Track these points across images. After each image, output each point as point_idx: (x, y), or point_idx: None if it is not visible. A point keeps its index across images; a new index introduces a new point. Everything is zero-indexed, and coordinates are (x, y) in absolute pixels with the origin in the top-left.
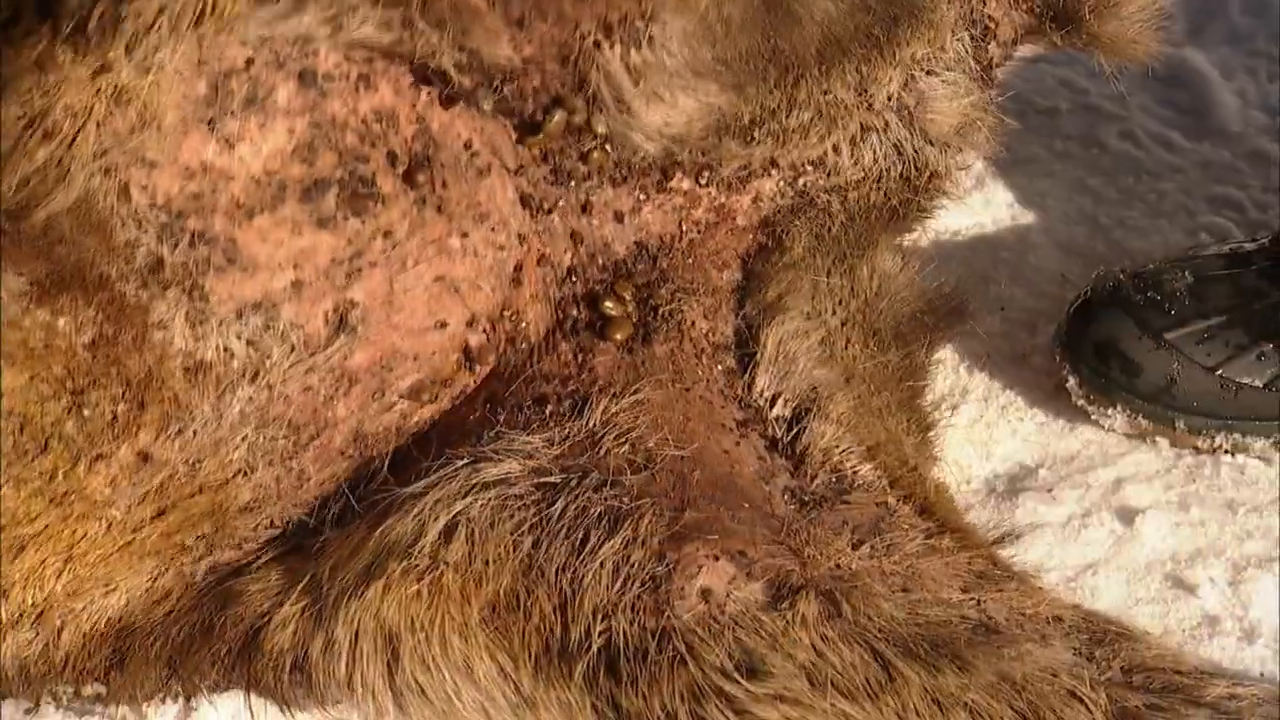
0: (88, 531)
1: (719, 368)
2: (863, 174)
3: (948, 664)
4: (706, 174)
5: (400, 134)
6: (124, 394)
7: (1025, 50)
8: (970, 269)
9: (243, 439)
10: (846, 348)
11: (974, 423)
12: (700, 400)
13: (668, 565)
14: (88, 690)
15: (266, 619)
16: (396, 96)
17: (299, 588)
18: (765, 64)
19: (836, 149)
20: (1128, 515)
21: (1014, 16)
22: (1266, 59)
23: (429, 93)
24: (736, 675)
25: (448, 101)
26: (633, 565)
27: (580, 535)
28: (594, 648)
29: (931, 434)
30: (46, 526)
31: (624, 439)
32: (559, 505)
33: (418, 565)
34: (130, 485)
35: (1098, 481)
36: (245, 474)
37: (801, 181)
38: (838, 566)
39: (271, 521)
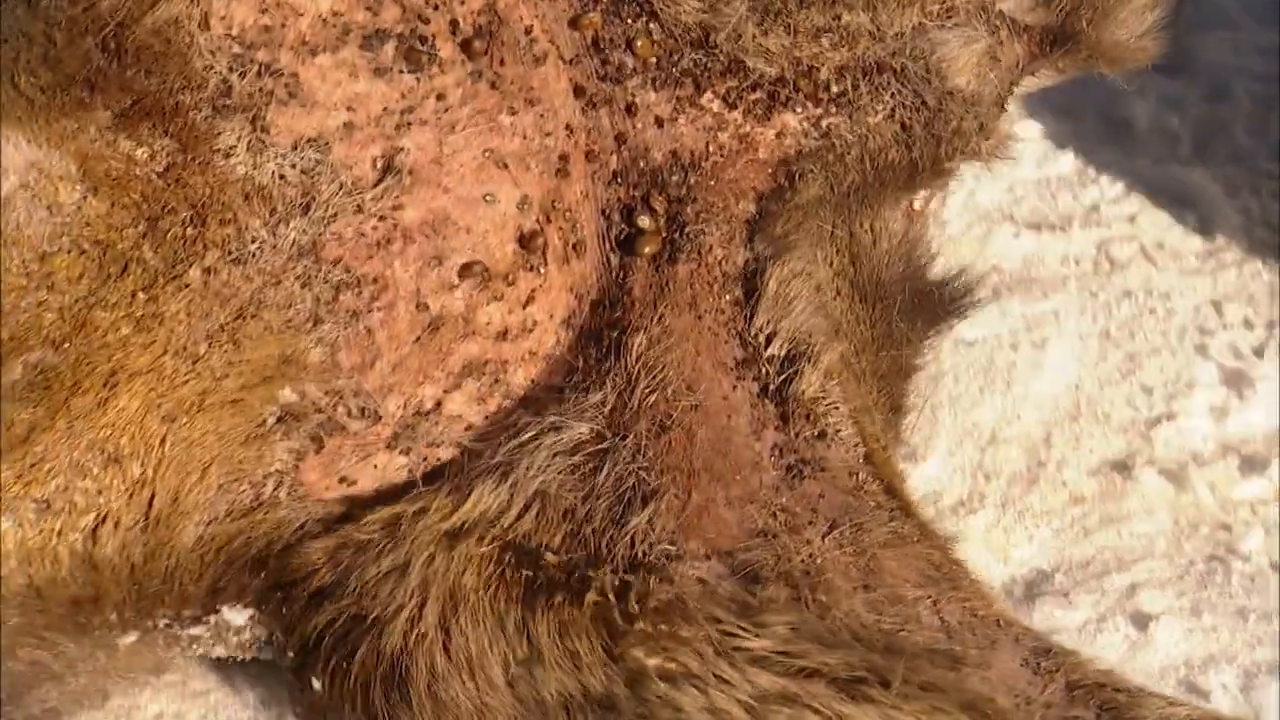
0: (174, 370)
1: (727, 297)
2: (884, 117)
3: (899, 672)
4: (733, 90)
5: (466, 4)
6: (191, 217)
7: (1033, 157)
8: (986, 378)
9: (302, 277)
10: (836, 299)
11: (991, 528)
12: (709, 332)
13: (678, 550)
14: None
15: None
16: None
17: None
18: None
19: (855, 85)
20: (1142, 620)
21: (1015, 50)
22: (1267, 176)
23: None
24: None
25: None
26: (652, 541)
27: (619, 506)
28: (611, 600)
29: (900, 417)
30: (136, 358)
31: (653, 388)
32: (604, 472)
33: (498, 535)
34: (203, 314)
35: (1112, 587)
36: (312, 323)
37: (825, 123)
38: (807, 558)
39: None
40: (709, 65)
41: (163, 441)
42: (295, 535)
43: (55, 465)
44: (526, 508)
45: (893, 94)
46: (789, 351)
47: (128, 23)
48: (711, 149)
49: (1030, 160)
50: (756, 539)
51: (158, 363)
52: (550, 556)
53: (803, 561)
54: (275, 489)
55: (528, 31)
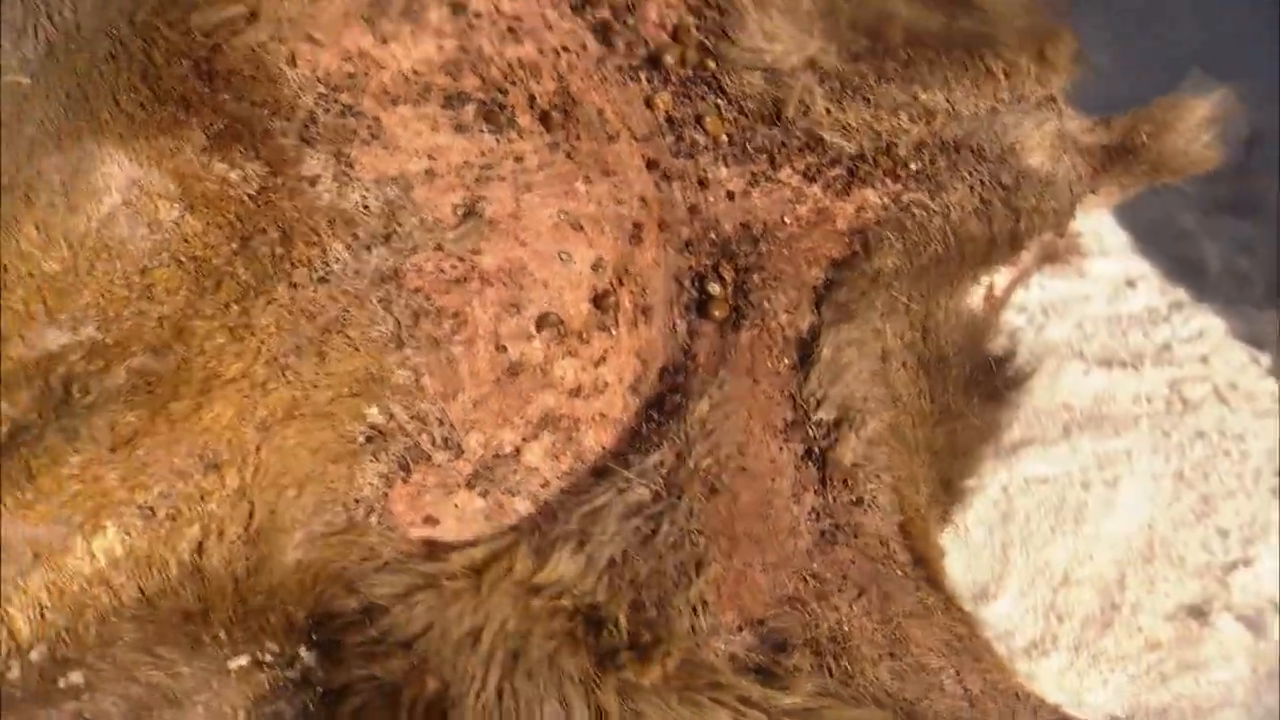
0: (266, 378)
1: (785, 361)
2: (963, 193)
3: None
4: (813, 166)
5: (541, 85)
6: (279, 238)
7: (1104, 294)
8: (1057, 517)
9: (384, 300)
10: (901, 370)
11: (1064, 671)
12: (763, 395)
13: (717, 619)
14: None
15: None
16: (540, 55)
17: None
18: (857, 28)
19: (934, 161)
20: None
21: (1079, 165)
22: None
23: (569, 58)
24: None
25: (596, 32)
26: (700, 609)
27: (676, 574)
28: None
29: (951, 494)
30: (230, 366)
31: (708, 451)
32: (662, 533)
33: (573, 599)
34: (291, 328)
35: None
36: (396, 344)
37: (905, 198)
38: (835, 624)
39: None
40: (786, 142)
41: (258, 449)
42: (381, 567)
43: (157, 470)
44: (599, 577)
45: (971, 170)
46: (836, 417)
47: (220, 46)
48: (788, 220)
49: (1101, 297)
50: (787, 606)
51: (250, 370)
52: (621, 621)
53: (830, 628)
54: (366, 515)
55: (600, 113)
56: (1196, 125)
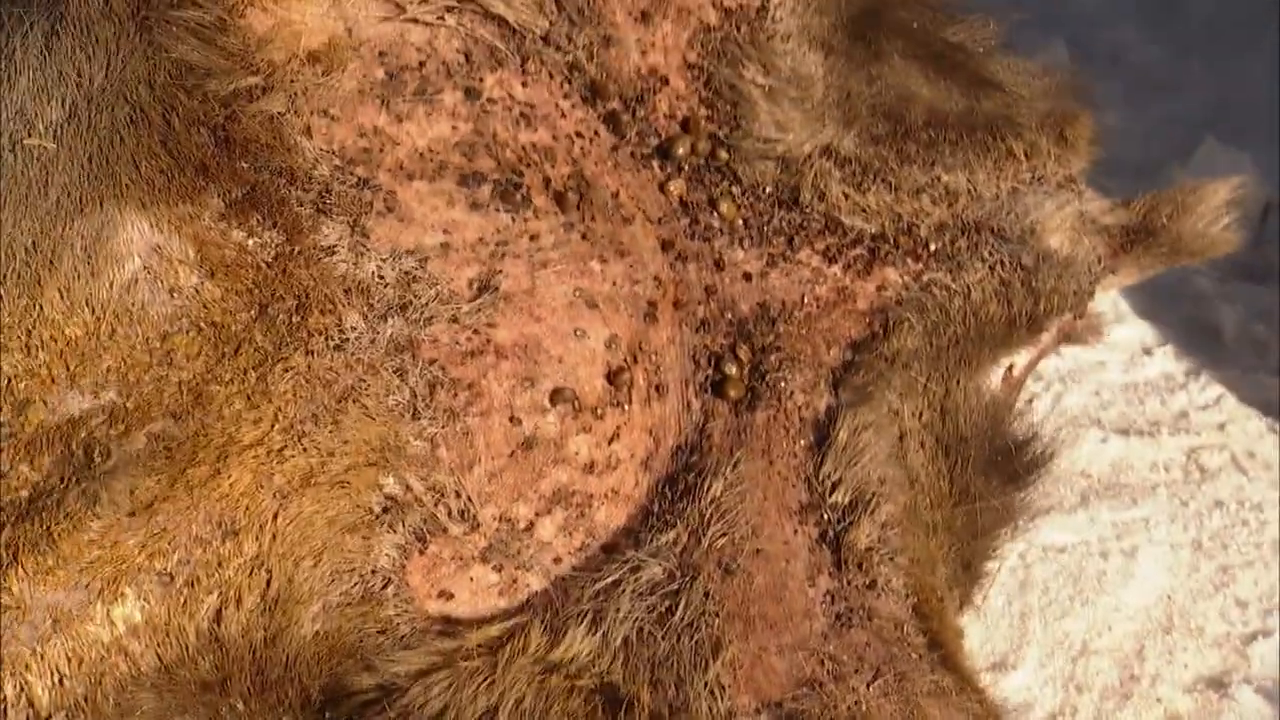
0: (283, 445)
1: (801, 442)
2: (984, 274)
3: None
4: (832, 247)
5: (556, 169)
6: (296, 306)
7: (1120, 362)
8: (1075, 587)
9: (399, 370)
10: (919, 451)
11: None
12: (778, 477)
13: (734, 702)
14: None
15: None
16: (554, 141)
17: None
18: (876, 113)
19: (954, 241)
20: None
21: (1098, 247)
22: None
23: (582, 144)
24: None
25: (606, 124)
26: (718, 692)
27: (693, 654)
28: None
29: (970, 575)
30: (247, 432)
31: (723, 532)
32: (679, 613)
33: (590, 679)
34: (308, 396)
35: None
36: (411, 414)
37: (926, 277)
38: (853, 705)
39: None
40: (805, 224)
41: (275, 518)
42: (396, 642)
43: (177, 536)
44: (616, 656)
45: (991, 250)
46: (851, 500)
47: (237, 115)
48: (806, 300)
49: (1117, 365)
50: (804, 688)
51: (267, 437)
52: (643, 700)
53: (849, 709)
54: (383, 587)
55: (614, 195)
56: (1216, 209)
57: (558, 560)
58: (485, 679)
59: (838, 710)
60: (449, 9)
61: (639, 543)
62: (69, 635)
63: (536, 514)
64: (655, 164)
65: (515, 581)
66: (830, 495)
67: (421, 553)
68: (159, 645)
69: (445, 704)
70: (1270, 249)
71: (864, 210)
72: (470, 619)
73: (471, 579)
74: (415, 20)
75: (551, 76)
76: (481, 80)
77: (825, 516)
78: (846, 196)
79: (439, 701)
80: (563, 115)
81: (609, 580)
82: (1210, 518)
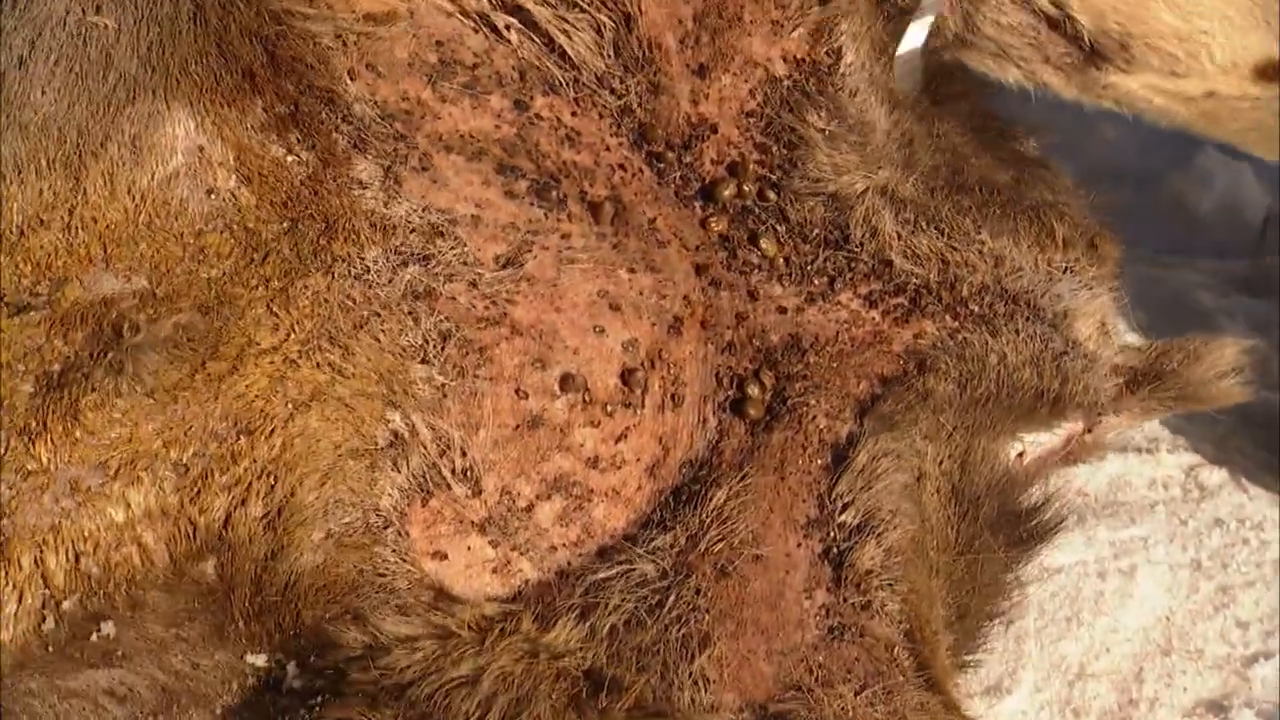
0: (299, 356)
1: (818, 461)
2: (1019, 342)
3: None
4: (875, 293)
5: (595, 188)
6: (324, 229)
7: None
8: (1073, 608)
9: (413, 313)
10: (934, 495)
11: None
12: (788, 491)
13: (718, 698)
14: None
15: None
16: (595, 166)
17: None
18: (935, 163)
19: (993, 306)
20: None
21: (1107, 388)
22: None
23: (622, 175)
24: None
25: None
26: (702, 684)
27: (678, 643)
28: None
29: (965, 626)
30: (266, 337)
31: (721, 537)
32: (668, 606)
33: (576, 663)
34: (326, 316)
35: None
36: (422, 359)
37: (963, 336)
38: (840, 710)
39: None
40: (850, 265)
41: (286, 424)
42: (390, 598)
43: (193, 428)
44: (602, 643)
45: (1026, 320)
46: (860, 522)
47: (286, 32)
48: (841, 338)
49: None
50: (790, 692)
51: (284, 345)
52: (626, 686)
53: (834, 714)
54: (384, 528)
55: (651, 221)
56: (1227, 362)
57: (553, 549)
58: (472, 649)
59: (823, 714)
60: (510, 26)
61: (635, 542)
62: (87, 512)
63: (537, 496)
64: (697, 204)
65: (509, 563)
66: (840, 514)
67: (424, 504)
68: (170, 539)
69: (428, 668)
70: (1271, 262)
71: (915, 254)
72: (463, 596)
73: (469, 548)
74: (476, 28)
75: (601, 116)
76: (532, 98)
77: (832, 534)
78: (899, 236)
79: (422, 665)
80: (607, 149)
81: (601, 576)
82: (1210, 536)
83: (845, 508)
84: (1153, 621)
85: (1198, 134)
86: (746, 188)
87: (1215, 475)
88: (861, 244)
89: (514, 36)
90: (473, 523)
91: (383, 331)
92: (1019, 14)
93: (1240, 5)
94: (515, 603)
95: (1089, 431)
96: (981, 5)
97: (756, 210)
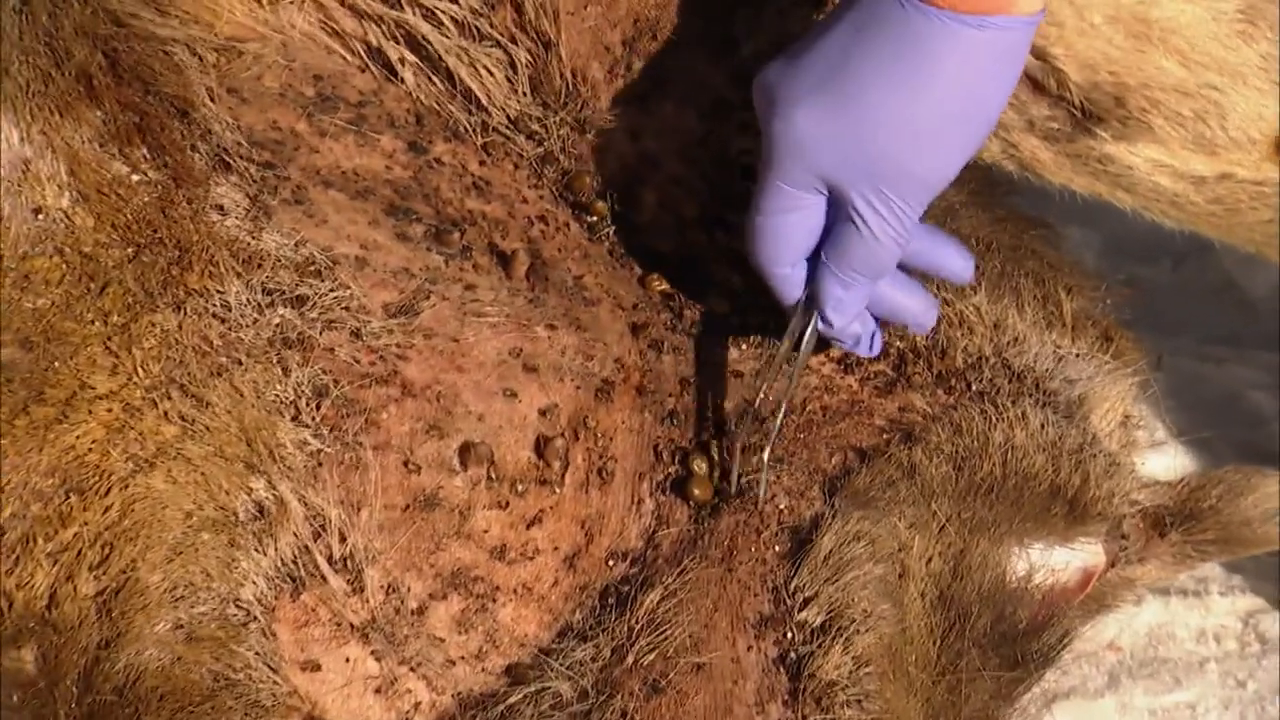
0: (141, 406)
1: (776, 549)
2: (1028, 423)
3: None
4: (851, 357)
5: (508, 241)
6: (176, 258)
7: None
8: None
9: (283, 364)
10: (918, 600)
11: None
12: (738, 584)
13: None
14: None
15: None
16: (510, 218)
17: None
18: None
19: (995, 382)
20: None
21: (1140, 528)
22: None
23: (543, 228)
24: None
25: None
26: None
27: None
28: None
29: None
30: (103, 381)
31: (654, 646)
32: None
33: None
34: (177, 360)
35: None
36: (292, 417)
37: (958, 415)
38: None
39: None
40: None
41: (125, 485)
42: (248, 716)
43: (12, 483)
44: None
45: (1036, 401)
46: (824, 621)
47: (130, 37)
48: (810, 408)
49: None
50: None
51: (124, 392)
52: None
53: None
54: (246, 624)
55: (578, 279)
56: (1269, 496)
57: (450, 663)
58: None
59: None
60: (405, 61)
61: (550, 655)
62: None
63: (430, 595)
64: (634, 260)
65: (396, 681)
66: (800, 611)
67: (294, 598)
68: None
69: None
70: None
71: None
72: None
73: (347, 659)
74: (363, 67)
75: (516, 166)
76: (431, 143)
77: (789, 635)
78: None
79: None
80: (524, 200)
81: (510, 701)
82: (1274, 703)
83: (806, 603)
84: None
85: (1217, 240)
86: (692, 235)
87: (1279, 624)
88: None
89: (409, 77)
90: (353, 626)
91: (245, 382)
92: None
93: (1251, 61)
94: None
95: (1113, 564)
96: None
97: (706, 258)
